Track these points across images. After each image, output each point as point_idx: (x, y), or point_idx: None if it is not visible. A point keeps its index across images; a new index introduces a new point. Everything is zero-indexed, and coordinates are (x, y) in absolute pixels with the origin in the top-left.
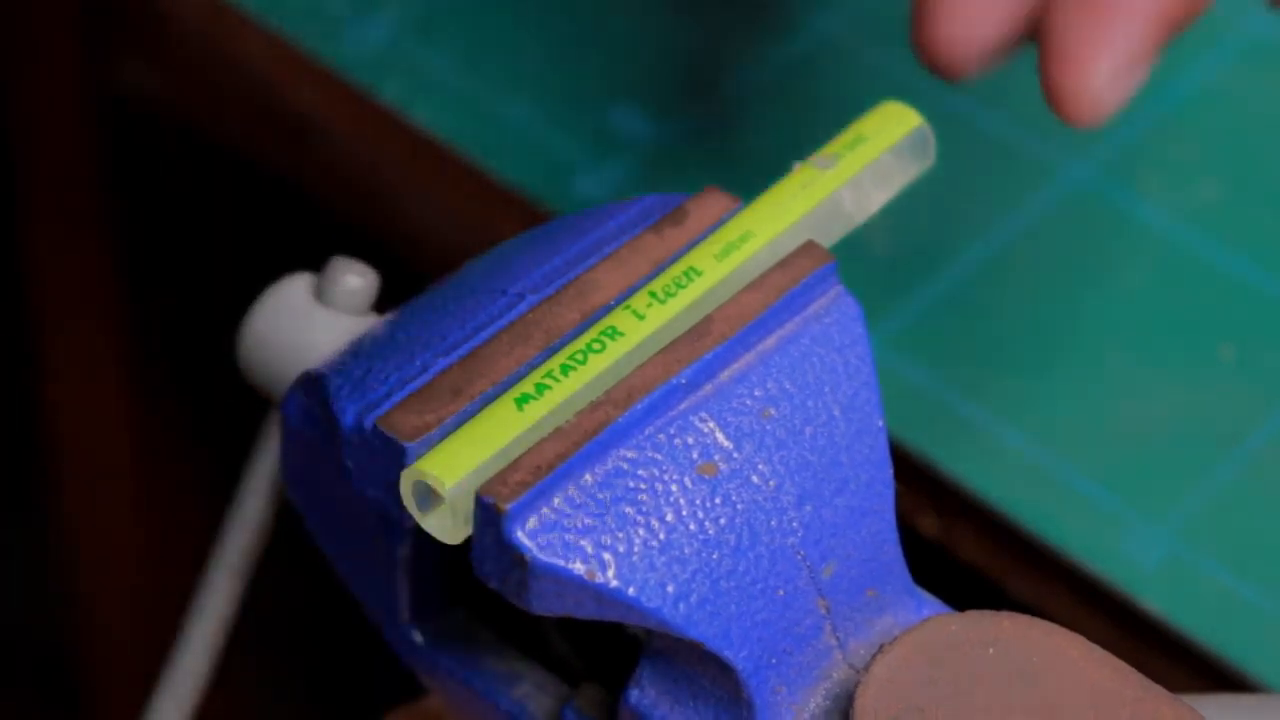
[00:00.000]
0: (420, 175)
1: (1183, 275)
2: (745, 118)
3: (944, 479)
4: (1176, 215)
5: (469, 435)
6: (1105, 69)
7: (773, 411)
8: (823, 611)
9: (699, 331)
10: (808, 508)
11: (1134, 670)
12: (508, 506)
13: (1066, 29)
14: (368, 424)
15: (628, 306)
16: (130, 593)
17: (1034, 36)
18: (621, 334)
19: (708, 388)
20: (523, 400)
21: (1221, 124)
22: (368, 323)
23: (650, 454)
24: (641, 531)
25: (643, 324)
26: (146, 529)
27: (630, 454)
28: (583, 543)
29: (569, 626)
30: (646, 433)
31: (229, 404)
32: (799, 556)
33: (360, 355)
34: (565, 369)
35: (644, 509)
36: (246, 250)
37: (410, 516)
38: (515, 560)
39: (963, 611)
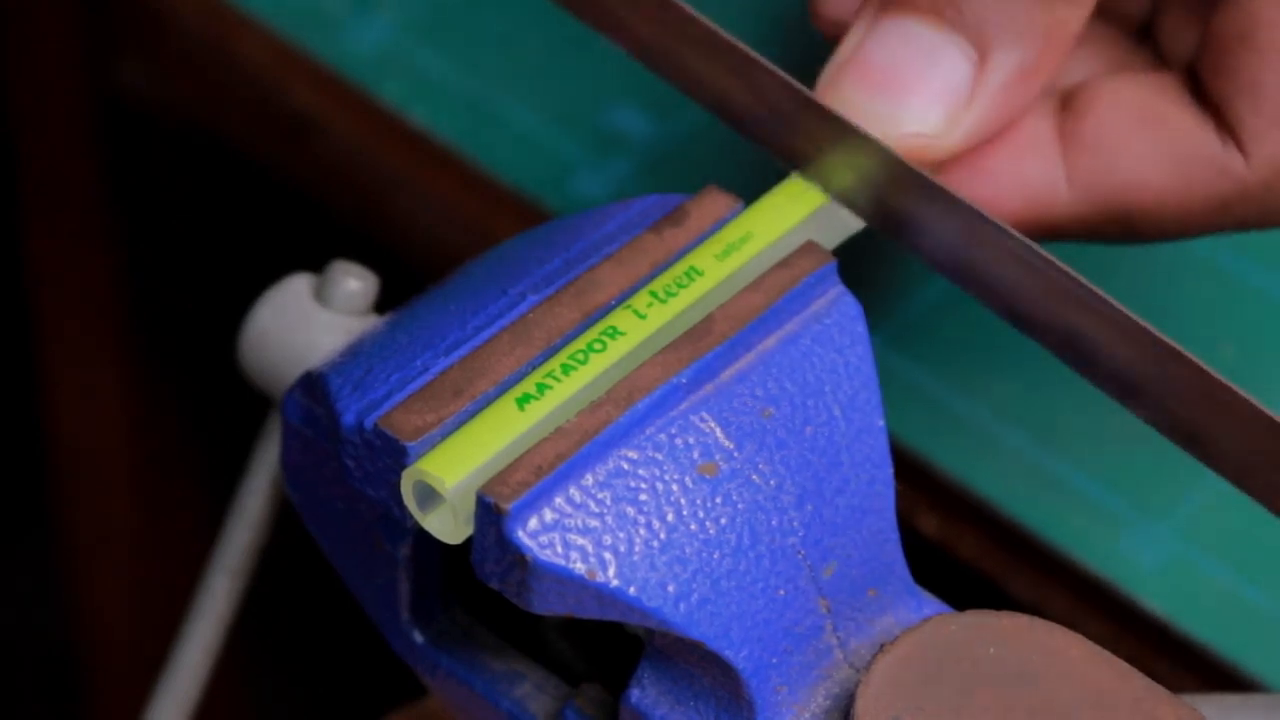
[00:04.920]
0: (420, 175)
1: (1183, 275)
2: None
3: (944, 479)
4: None
5: (470, 435)
6: None
7: (773, 411)
8: (823, 611)
9: (700, 331)
10: (808, 507)
11: (1135, 670)
12: (509, 506)
13: None
14: (368, 424)
15: (628, 306)
16: (130, 592)
17: None
18: (622, 333)
19: (708, 387)
20: (524, 400)
21: None
22: (367, 323)
23: (651, 454)
24: (642, 531)
25: (644, 323)
26: (147, 529)
27: (631, 454)
28: (583, 542)
29: (569, 626)
30: (647, 432)
31: (229, 404)
32: (800, 556)
33: (360, 355)
34: (566, 369)
35: (645, 509)
36: (246, 250)
37: (411, 516)
38: (516, 560)
39: (963, 611)
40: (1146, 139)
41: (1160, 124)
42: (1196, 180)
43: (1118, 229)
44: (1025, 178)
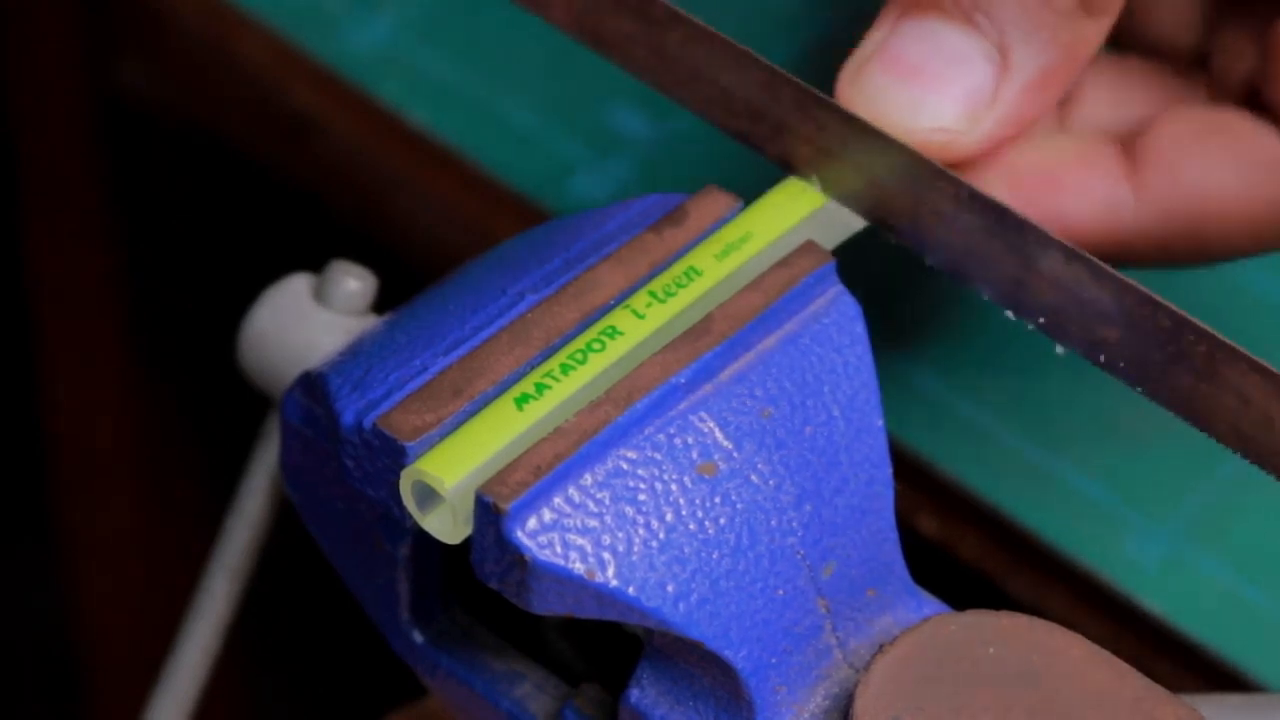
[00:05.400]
0: (420, 175)
1: (1182, 275)
2: None
3: (944, 479)
4: None
5: (469, 435)
6: None
7: (772, 411)
8: (823, 611)
9: (699, 331)
10: (807, 507)
11: (1134, 670)
12: (508, 506)
13: None
14: (368, 424)
15: (628, 306)
16: (130, 592)
17: None
18: (621, 333)
19: (708, 387)
20: (523, 400)
21: None
22: (367, 323)
23: (650, 454)
24: (641, 531)
25: (643, 323)
26: (147, 529)
27: (630, 454)
28: (582, 542)
29: (569, 626)
30: (646, 432)
31: (229, 404)
32: (799, 556)
33: (360, 355)
34: (565, 368)
35: (644, 509)
36: (246, 250)
37: (410, 516)
38: (515, 560)
39: (962, 611)
40: (1212, 146)
41: (1224, 131)
42: (1265, 185)
43: (1188, 243)
44: (1091, 195)
